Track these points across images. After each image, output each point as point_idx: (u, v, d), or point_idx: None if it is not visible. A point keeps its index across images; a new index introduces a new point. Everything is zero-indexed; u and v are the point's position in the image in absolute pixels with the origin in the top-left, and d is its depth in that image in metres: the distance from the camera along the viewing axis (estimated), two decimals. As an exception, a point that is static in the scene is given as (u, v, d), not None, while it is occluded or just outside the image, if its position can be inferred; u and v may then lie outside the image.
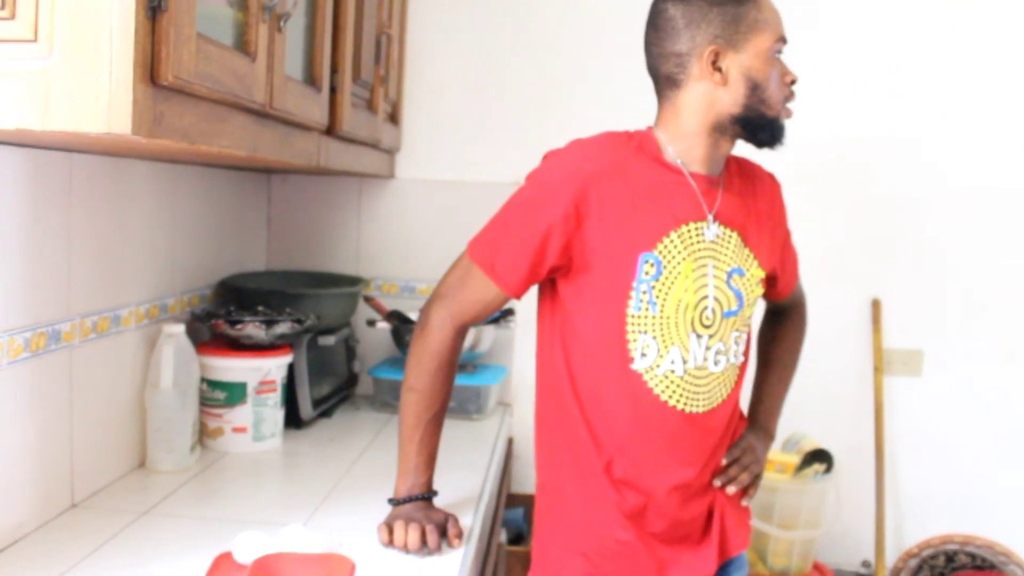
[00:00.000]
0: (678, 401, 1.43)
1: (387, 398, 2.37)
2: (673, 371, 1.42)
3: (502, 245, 1.43)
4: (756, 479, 1.59)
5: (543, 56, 2.49)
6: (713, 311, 1.43)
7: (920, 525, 2.61)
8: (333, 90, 1.76)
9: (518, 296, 1.46)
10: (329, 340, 2.26)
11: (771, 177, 1.59)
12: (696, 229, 1.42)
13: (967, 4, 2.49)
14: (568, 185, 1.38)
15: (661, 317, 1.40)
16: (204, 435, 1.94)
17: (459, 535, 1.48)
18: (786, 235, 1.62)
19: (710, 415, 1.47)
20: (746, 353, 1.53)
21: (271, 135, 1.42)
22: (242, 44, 1.26)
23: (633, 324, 1.40)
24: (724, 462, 1.53)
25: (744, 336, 1.51)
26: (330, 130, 1.76)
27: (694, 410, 1.45)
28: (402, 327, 2.37)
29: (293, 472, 1.92)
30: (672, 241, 1.40)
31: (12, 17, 0.92)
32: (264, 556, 1.31)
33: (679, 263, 1.40)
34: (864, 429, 2.59)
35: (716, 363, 1.45)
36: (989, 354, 2.57)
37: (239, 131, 1.26)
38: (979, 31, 2.49)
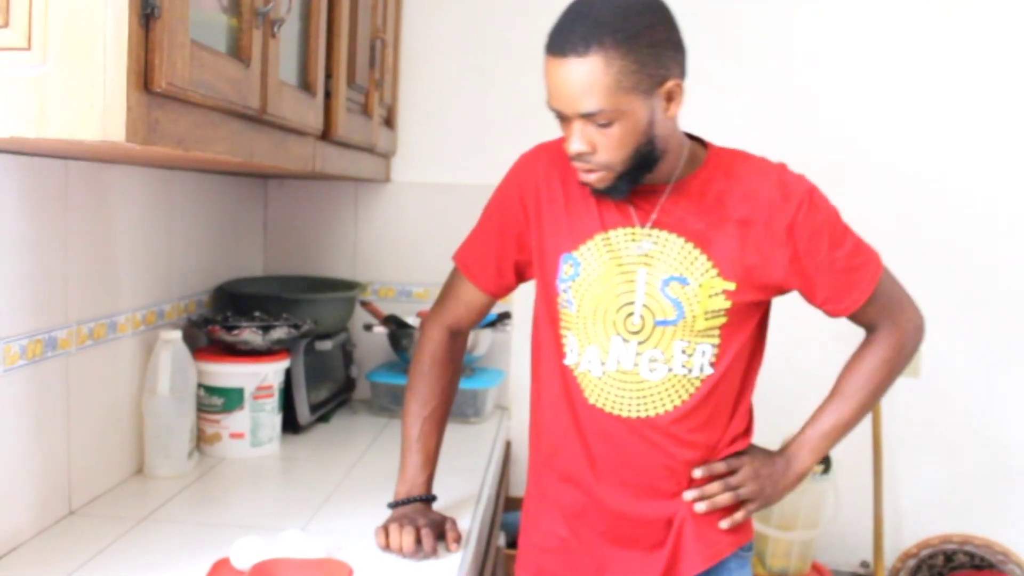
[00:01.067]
0: (599, 401, 1.43)
1: (385, 402, 2.37)
2: (590, 371, 1.43)
3: (474, 244, 1.57)
4: (747, 503, 1.48)
5: (538, 60, 2.48)
6: (642, 318, 1.40)
7: (918, 525, 2.61)
8: (328, 95, 1.76)
9: (495, 295, 1.57)
10: (326, 345, 2.26)
11: (783, 184, 1.41)
12: (627, 236, 1.41)
13: (970, 7, 2.49)
14: (518, 185, 1.51)
15: (579, 316, 1.43)
16: (201, 441, 1.93)
17: (458, 539, 1.48)
18: (813, 249, 1.40)
19: (653, 422, 1.41)
20: (717, 366, 1.41)
21: (266, 141, 1.42)
22: (236, 50, 1.27)
23: (562, 321, 1.46)
24: (697, 474, 1.44)
25: (712, 349, 1.41)
26: (325, 135, 1.77)
27: (624, 414, 1.42)
28: (399, 331, 2.37)
29: (291, 477, 1.92)
30: (596, 244, 1.42)
31: (6, 25, 0.93)
32: (262, 561, 1.31)
33: (599, 266, 1.41)
34: (862, 429, 2.56)
35: (652, 371, 1.41)
36: (987, 354, 2.57)
37: (234, 137, 1.27)
38: (978, 33, 2.49)
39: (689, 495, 1.45)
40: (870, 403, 1.54)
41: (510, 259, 1.53)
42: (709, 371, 1.42)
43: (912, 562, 2.59)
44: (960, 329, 2.57)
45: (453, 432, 1.93)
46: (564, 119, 1.32)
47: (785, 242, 1.39)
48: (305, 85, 1.62)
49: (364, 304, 2.42)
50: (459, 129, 2.56)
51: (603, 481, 1.45)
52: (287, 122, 1.48)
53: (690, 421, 1.43)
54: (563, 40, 1.26)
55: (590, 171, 1.34)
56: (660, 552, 1.46)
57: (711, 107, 2.49)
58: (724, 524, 1.46)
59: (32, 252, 1.42)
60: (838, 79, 2.53)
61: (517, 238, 1.51)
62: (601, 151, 1.31)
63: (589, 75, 1.24)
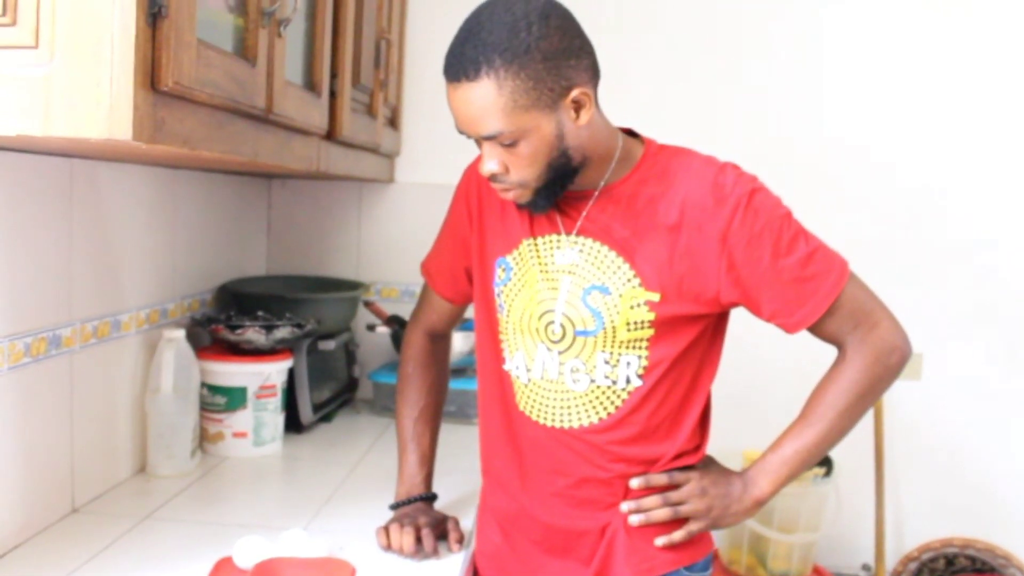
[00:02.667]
0: (527, 409, 1.41)
1: (387, 402, 2.37)
2: (518, 377, 1.42)
3: (434, 253, 1.60)
4: (690, 522, 1.39)
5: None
6: (562, 327, 1.35)
7: (920, 528, 2.61)
8: (333, 95, 1.76)
9: (456, 302, 1.59)
10: (329, 344, 2.26)
11: (718, 186, 1.30)
12: (552, 243, 1.38)
13: (971, 8, 2.49)
14: (464, 192, 1.52)
15: (509, 321, 1.42)
16: (204, 440, 1.93)
17: (460, 539, 1.48)
18: (753, 258, 1.30)
19: (578, 433, 1.37)
20: (646, 378, 1.35)
21: (271, 140, 1.42)
22: (242, 50, 1.27)
23: (500, 324, 1.45)
24: (633, 484, 1.38)
25: (639, 361, 1.34)
26: (330, 135, 1.77)
27: (550, 423, 1.39)
28: (402, 331, 2.36)
29: (293, 477, 1.92)
30: (525, 250, 1.40)
31: (13, 23, 0.93)
32: (265, 560, 1.31)
33: (526, 272, 1.39)
34: (863, 432, 2.58)
35: (575, 381, 1.36)
36: (989, 357, 2.57)
37: (239, 136, 1.27)
38: (980, 34, 2.49)
39: (625, 506, 1.38)
40: (839, 428, 1.38)
41: (461, 266, 1.54)
42: (638, 383, 1.35)
43: (913, 565, 2.58)
44: (962, 331, 2.56)
45: (455, 433, 1.93)
46: (478, 141, 1.29)
47: (719, 251, 1.29)
48: (310, 85, 1.62)
49: (367, 304, 2.42)
50: (463, 130, 2.56)
51: (533, 489, 1.43)
52: (292, 122, 1.48)
53: (619, 433, 1.37)
54: (455, 64, 1.24)
55: (506, 190, 1.31)
56: (589, 564, 1.41)
57: (713, 106, 2.50)
58: (659, 542, 1.38)
59: (36, 250, 1.42)
60: (838, 81, 2.52)
61: (465, 245, 1.52)
62: (513, 170, 1.27)
63: (483, 99, 1.21)
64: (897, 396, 2.59)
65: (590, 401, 1.37)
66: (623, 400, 1.36)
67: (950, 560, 2.56)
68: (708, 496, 1.39)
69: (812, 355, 1.50)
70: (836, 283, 1.32)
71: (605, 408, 1.37)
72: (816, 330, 1.35)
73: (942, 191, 2.54)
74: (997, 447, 2.59)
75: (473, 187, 1.50)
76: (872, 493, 2.56)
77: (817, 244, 1.34)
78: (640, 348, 1.34)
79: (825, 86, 2.52)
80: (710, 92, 2.49)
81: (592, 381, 1.36)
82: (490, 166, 1.27)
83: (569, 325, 1.36)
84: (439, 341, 1.65)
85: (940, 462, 2.60)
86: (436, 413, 1.61)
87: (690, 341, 1.36)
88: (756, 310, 1.34)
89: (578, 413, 1.38)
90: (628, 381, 1.35)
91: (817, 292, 1.31)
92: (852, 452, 2.55)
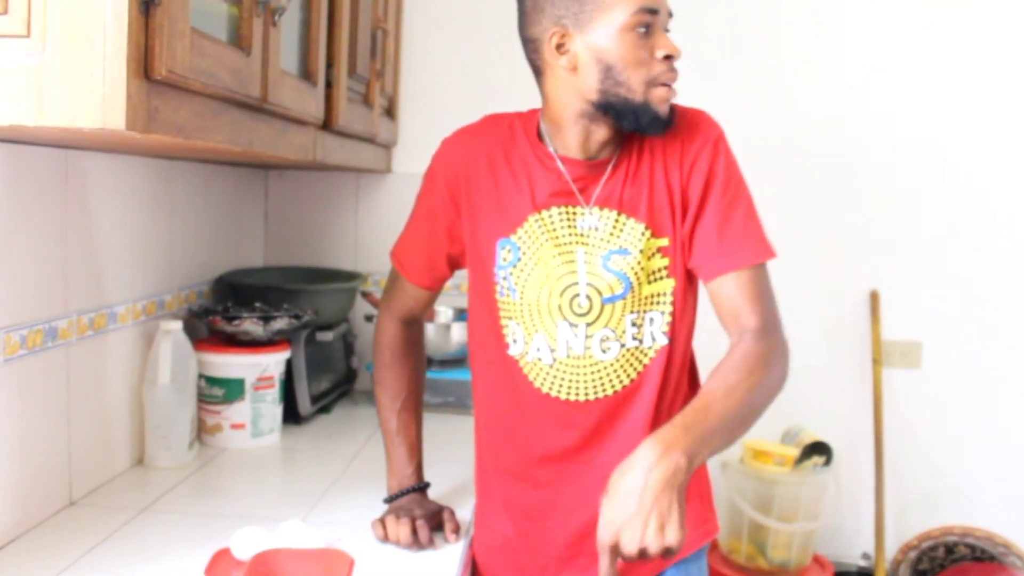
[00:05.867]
0: (552, 388, 1.39)
1: (386, 393, 2.37)
2: (540, 359, 1.39)
3: (405, 239, 1.54)
4: (646, 549, 1.07)
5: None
6: (588, 298, 1.35)
7: (920, 517, 2.61)
8: (329, 85, 1.75)
9: (431, 288, 1.54)
10: (327, 336, 2.26)
11: (693, 124, 1.36)
12: (563, 215, 1.36)
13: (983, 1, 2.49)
14: (441, 175, 1.45)
15: (523, 304, 1.38)
16: (202, 431, 1.93)
17: (456, 529, 1.47)
18: (704, 189, 1.34)
19: (608, 401, 1.38)
20: (671, 334, 1.37)
21: (267, 130, 1.41)
22: (237, 39, 1.26)
23: (503, 310, 1.41)
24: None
25: (662, 317, 1.36)
26: (326, 125, 1.76)
27: (580, 398, 1.38)
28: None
29: (292, 468, 1.92)
30: (533, 226, 1.37)
31: (5, 12, 0.92)
32: (263, 552, 1.31)
33: (539, 249, 1.36)
34: (863, 421, 2.59)
35: (604, 351, 1.37)
36: (988, 345, 2.57)
37: (234, 126, 1.26)
38: (986, 27, 2.49)
39: None
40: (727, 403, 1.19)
41: (441, 253, 1.48)
42: (663, 341, 1.37)
43: (913, 554, 2.59)
44: (962, 319, 2.56)
45: (452, 423, 1.93)
46: (650, 27, 1.26)
47: (688, 173, 1.34)
48: (306, 74, 1.62)
49: (365, 295, 2.42)
50: (460, 120, 2.50)
51: (558, 473, 1.42)
52: (288, 111, 1.47)
53: (656, 391, 1.37)
54: None
55: (674, 79, 1.29)
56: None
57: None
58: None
59: (31, 242, 1.42)
60: (840, 70, 2.52)
61: (448, 230, 1.45)
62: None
63: None
64: (897, 384, 2.59)
65: (620, 367, 1.38)
66: (650, 359, 1.38)
67: (950, 548, 2.57)
68: (616, 521, 1.08)
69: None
70: (758, 255, 1.33)
71: (633, 370, 1.38)
72: (721, 287, 1.32)
73: (942, 180, 2.54)
74: (996, 435, 2.59)
75: (456, 168, 1.43)
76: (872, 482, 2.56)
77: (755, 216, 1.35)
78: (663, 303, 1.37)
79: (818, 71, 2.52)
80: (710, 74, 2.49)
81: (623, 346, 1.37)
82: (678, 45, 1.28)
83: (596, 295, 1.36)
84: (413, 326, 1.60)
85: (940, 450, 2.60)
86: (418, 401, 1.58)
87: (696, 292, 1.40)
88: (688, 236, 1.35)
89: (610, 380, 1.38)
90: (654, 339, 1.37)
91: (741, 250, 1.32)
92: (852, 441, 2.56)
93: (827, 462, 2.43)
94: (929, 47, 2.50)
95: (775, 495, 2.40)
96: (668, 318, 1.37)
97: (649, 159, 1.36)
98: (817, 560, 2.52)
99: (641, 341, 1.37)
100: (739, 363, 1.24)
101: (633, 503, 1.07)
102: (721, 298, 1.33)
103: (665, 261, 1.36)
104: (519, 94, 2.50)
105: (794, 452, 2.41)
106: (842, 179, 2.54)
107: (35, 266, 1.43)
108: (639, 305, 1.36)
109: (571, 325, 1.37)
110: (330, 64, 1.76)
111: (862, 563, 2.63)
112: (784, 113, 2.52)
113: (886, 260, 2.57)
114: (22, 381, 1.41)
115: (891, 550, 2.61)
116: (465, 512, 1.57)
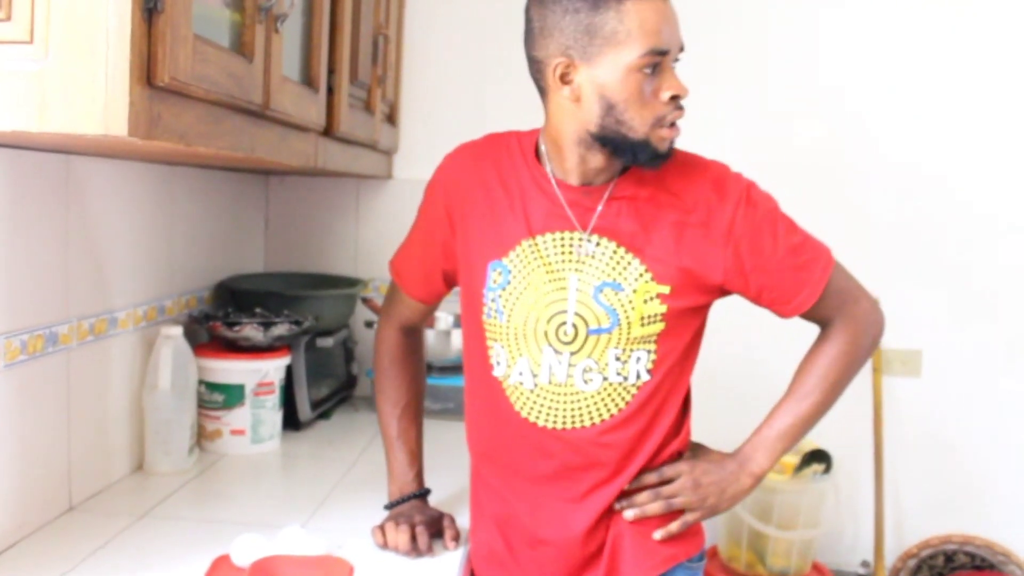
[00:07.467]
0: (531, 414, 1.38)
1: (385, 399, 2.36)
2: (522, 383, 1.37)
3: (403, 252, 1.56)
4: (686, 514, 1.41)
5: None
6: (574, 327, 1.34)
7: (919, 525, 2.61)
8: (330, 91, 1.75)
9: (427, 302, 1.55)
10: (327, 342, 2.26)
11: (719, 182, 1.35)
12: (558, 240, 1.35)
13: (973, 10, 2.49)
14: (440, 191, 1.46)
15: (509, 327, 1.37)
16: (202, 437, 1.93)
17: (456, 536, 1.47)
18: (755, 248, 1.34)
19: (585, 433, 1.37)
20: (655, 372, 1.36)
21: (268, 136, 1.41)
22: (239, 45, 1.26)
23: (488, 331, 1.40)
24: (628, 486, 1.39)
25: (648, 356, 1.35)
26: (327, 131, 1.76)
27: (557, 426, 1.37)
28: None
29: (291, 474, 1.92)
30: (524, 251, 1.36)
31: (8, 19, 0.92)
32: (262, 558, 1.31)
33: (529, 273, 1.35)
34: (863, 429, 2.59)
35: (586, 382, 1.35)
36: (988, 354, 2.56)
37: (236, 132, 1.26)
38: (981, 35, 2.49)
39: (619, 504, 1.39)
40: (828, 400, 1.44)
41: (437, 268, 1.48)
42: (646, 377, 1.36)
43: (913, 562, 2.59)
44: (962, 328, 2.56)
45: (455, 430, 1.93)
46: (659, 66, 1.25)
47: (724, 243, 1.33)
48: (308, 81, 1.62)
49: (365, 301, 2.42)
50: (461, 126, 2.53)
51: (532, 492, 1.41)
52: (289, 118, 1.47)
53: (628, 428, 1.37)
54: None
55: (679, 117, 1.30)
56: (597, 567, 1.41)
57: (721, 108, 2.49)
58: (658, 535, 1.39)
59: (33, 248, 1.42)
60: (838, 80, 2.52)
61: (443, 247, 1.46)
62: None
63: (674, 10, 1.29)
64: (897, 393, 2.59)
65: (601, 400, 1.36)
66: (632, 395, 1.36)
67: (949, 557, 2.56)
68: (702, 487, 1.41)
69: (784, 343, 1.52)
70: (826, 267, 1.38)
71: (615, 405, 1.36)
72: (809, 312, 1.41)
73: (943, 189, 2.54)
74: (996, 444, 2.59)
75: (454, 185, 1.44)
76: (871, 490, 2.56)
77: (804, 234, 1.39)
78: (650, 343, 1.36)
79: (817, 81, 2.52)
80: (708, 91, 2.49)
81: (605, 379, 1.36)
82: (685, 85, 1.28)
83: (582, 324, 1.34)
84: (412, 334, 1.61)
85: (939, 459, 2.60)
86: (419, 408, 1.59)
87: (693, 333, 1.39)
88: (756, 297, 1.38)
89: (589, 412, 1.37)
90: (638, 376, 1.36)
91: (811, 277, 1.37)
92: (851, 449, 2.56)
93: (827, 470, 2.43)
94: (926, 59, 2.50)
95: (775, 503, 2.40)
96: (654, 356, 1.36)
97: (667, 203, 1.34)
98: (816, 568, 2.51)
99: (626, 377, 1.36)
100: (818, 364, 1.44)
101: (701, 494, 1.41)
102: (817, 319, 1.43)
103: (663, 308, 1.34)
104: (520, 102, 2.50)
105: (794, 460, 2.41)
106: (841, 189, 2.54)
107: (36, 271, 1.43)
108: (627, 343, 1.34)
109: (556, 352, 1.36)
110: (332, 70, 1.76)
111: (861, 571, 2.62)
112: (782, 121, 2.52)
113: (886, 268, 2.57)
114: (23, 386, 1.41)
115: (890, 558, 2.60)
116: (465, 519, 1.57)
